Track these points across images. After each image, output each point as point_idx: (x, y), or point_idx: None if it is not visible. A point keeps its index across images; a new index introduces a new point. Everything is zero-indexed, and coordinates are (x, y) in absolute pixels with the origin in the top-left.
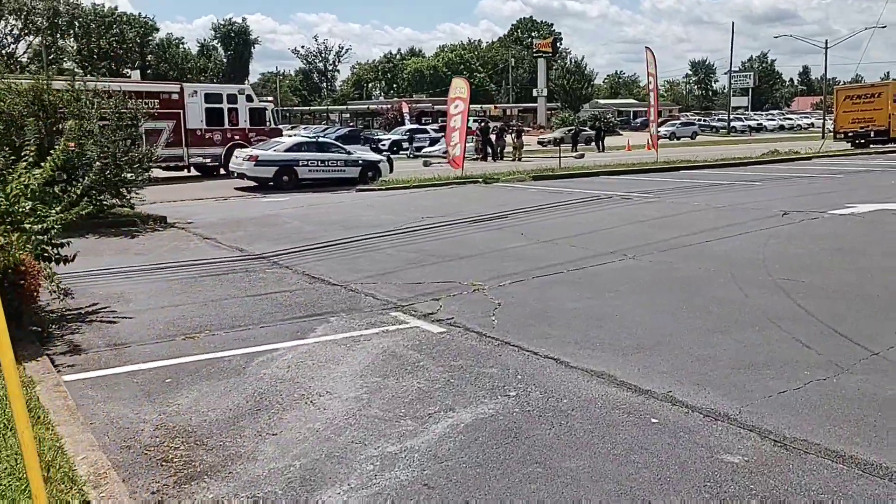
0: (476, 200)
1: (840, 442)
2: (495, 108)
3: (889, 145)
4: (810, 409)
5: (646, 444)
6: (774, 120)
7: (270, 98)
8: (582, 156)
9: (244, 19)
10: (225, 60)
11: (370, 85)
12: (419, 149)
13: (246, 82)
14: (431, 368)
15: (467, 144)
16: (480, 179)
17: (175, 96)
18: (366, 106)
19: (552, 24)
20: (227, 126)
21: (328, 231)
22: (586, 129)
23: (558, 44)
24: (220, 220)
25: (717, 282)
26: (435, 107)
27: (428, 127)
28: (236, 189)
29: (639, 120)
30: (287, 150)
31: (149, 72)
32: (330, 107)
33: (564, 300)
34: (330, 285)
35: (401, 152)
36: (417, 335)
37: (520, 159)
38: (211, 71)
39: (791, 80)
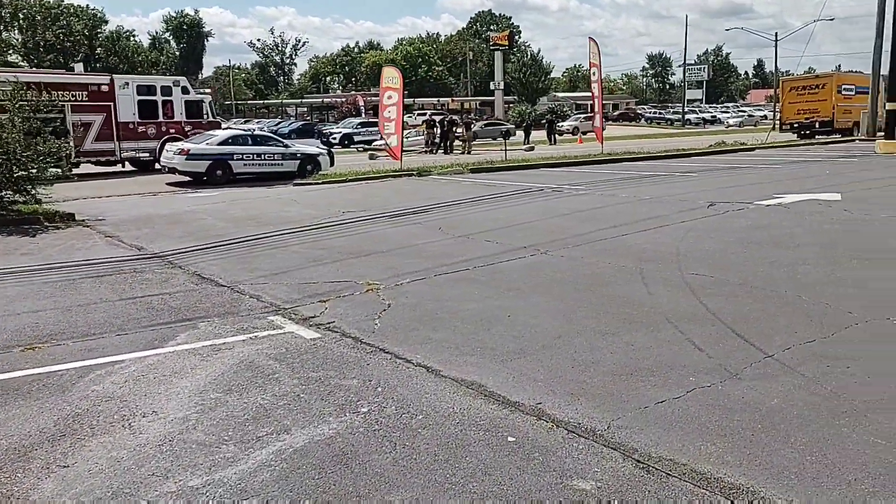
0: (405, 194)
1: (709, 461)
2: (452, 101)
3: (834, 136)
4: (686, 422)
5: (492, 469)
6: (728, 112)
7: (208, 90)
8: (532, 148)
9: (196, 11)
10: (177, 53)
11: (328, 78)
12: (370, 142)
13: (200, 75)
14: (285, 381)
15: (417, 138)
16: (415, 172)
17: (105, 88)
18: (321, 99)
19: (510, 18)
20: (161, 119)
21: (240, 228)
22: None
23: (517, 37)
24: (132, 217)
25: (624, 278)
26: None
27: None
28: (168, 185)
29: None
30: (221, 144)
31: (98, 65)
32: (285, 100)
33: (460, 300)
34: (217, 286)
35: (352, 145)
36: (287, 342)
37: (469, 152)
38: (163, 64)
39: (746, 73)
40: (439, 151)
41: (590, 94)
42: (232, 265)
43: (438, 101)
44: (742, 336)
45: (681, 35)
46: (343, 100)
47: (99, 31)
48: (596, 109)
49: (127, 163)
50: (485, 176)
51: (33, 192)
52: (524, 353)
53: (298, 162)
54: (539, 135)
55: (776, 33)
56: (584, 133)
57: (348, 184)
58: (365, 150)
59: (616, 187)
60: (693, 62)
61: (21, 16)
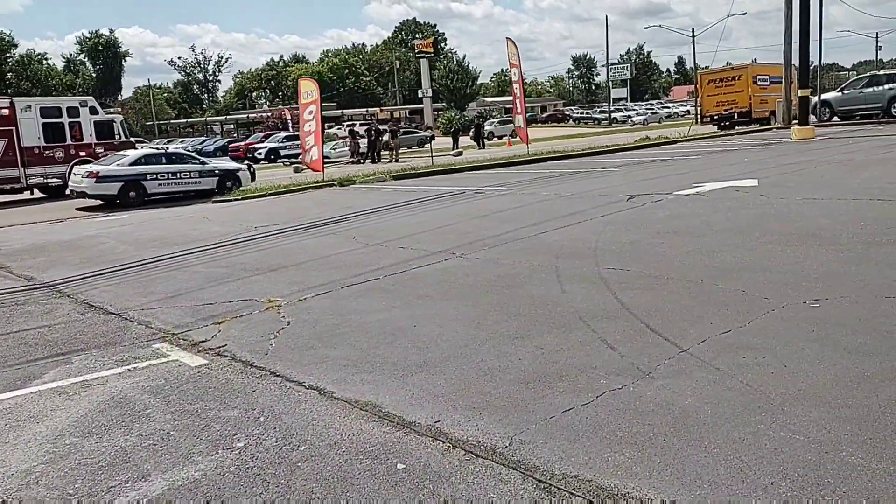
0: (324, 204)
1: (616, 474)
2: (381, 111)
3: (752, 125)
4: (593, 431)
5: None
6: (653, 109)
7: (118, 109)
8: (460, 153)
9: (112, 31)
10: (94, 75)
11: (254, 94)
12: (296, 155)
13: (119, 96)
14: (156, 417)
15: (345, 149)
16: (336, 183)
17: (5, 112)
18: (246, 115)
19: (435, 25)
20: (69, 142)
21: (143, 250)
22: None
23: (442, 44)
24: (28, 246)
25: (538, 278)
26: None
27: None
28: (78, 210)
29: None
30: (132, 164)
31: (9, 90)
32: (209, 118)
33: (365, 312)
34: (104, 314)
35: (278, 160)
36: (169, 372)
37: (396, 160)
38: (79, 87)
39: (668, 70)
40: (367, 161)
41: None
42: (126, 290)
43: (367, 111)
44: (656, 331)
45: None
46: (269, 114)
47: (8, 55)
48: (518, 110)
49: (36, 190)
50: (408, 182)
51: None
52: (427, 365)
53: (217, 178)
54: (467, 140)
55: (693, 30)
56: (501, 137)
57: (268, 198)
58: (291, 163)
59: (538, 186)
60: (616, 62)
61: None
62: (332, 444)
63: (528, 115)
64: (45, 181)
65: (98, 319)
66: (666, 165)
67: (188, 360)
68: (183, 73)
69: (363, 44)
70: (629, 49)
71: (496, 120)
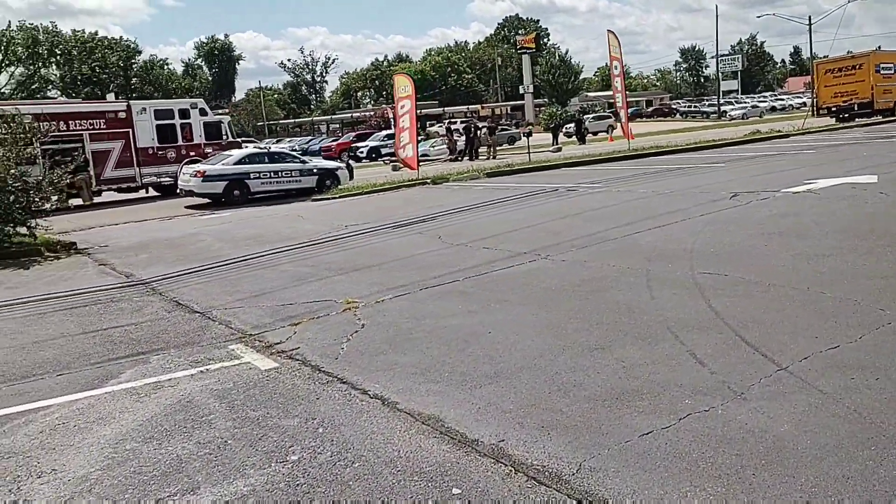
0: (415, 203)
1: None
2: (482, 107)
3: (874, 117)
4: (673, 460)
5: None
6: (766, 101)
7: (227, 111)
8: (559, 149)
9: (226, 36)
10: (210, 79)
11: (359, 94)
12: (394, 154)
13: (233, 98)
14: (218, 424)
15: (442, 147)
16: (429, 181)
17: (122, 115)
18: (350, 115)
19: (538, 21)
20: (180, 142)
21: (237, 248)
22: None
23: (545, 40)
24: (134, 244)
25: (626, 282)
26: (423, 111)
27: None
28: (186, 208)
29: (631, 110)
30: (236, 164)
31: (133, 94)
32: (315, 118)
33: (441, 316)
34: (189, 313)
35: (379, 158)
36: (240, 374)
37: (494, 157)
38: (196, 90)
39: (783, 60)
40: (465, 158)
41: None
42: (214, 288)
43: (468, 108)
44: (752, 345)
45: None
46: (372, 113)
47: (133, 61)
48: (620, 105)
49: (151, 188)
50: (501, 180)
51: (32, 224)
52: (497, 377)
53: (316, 177)
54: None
55: (809, 18)
56: (596, 133)
57: (363, 196)
58: (390, 162)
59: (636, 183)
60: (726, 53)
61: (58, 51)
62: (387, 461)
63: (632, 109)
64: (159, 180)
65: (182, 318)
66: (776, 161)
67: (259, 363)
68: (292, 74)
69: (465, 41)
70: (741, 40)
71: (591, 115)
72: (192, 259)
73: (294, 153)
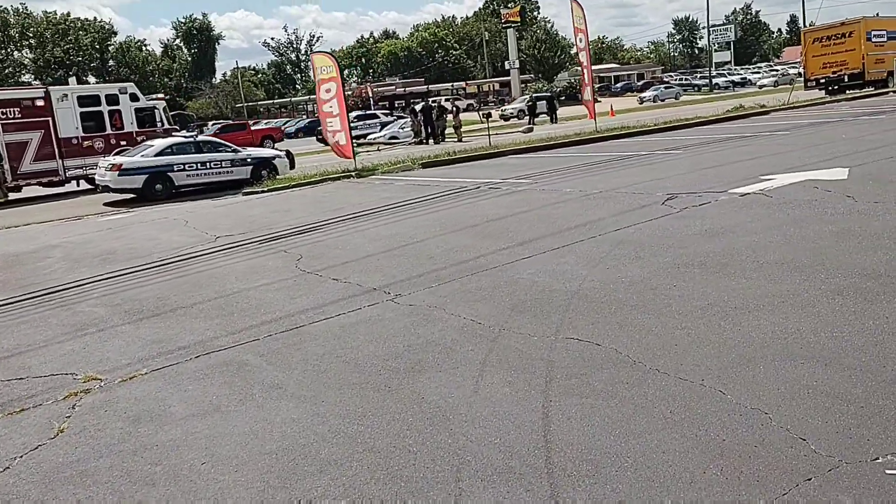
0: (319, 203)
1: None
2: (467, 84)
3: (865, 89)
4: None
5: None
6: (759, 73)
7: (160, 95)
8: (531, 130)
9: (204, 15)
10: (189, 59)
11: (346, 72)
12: (365, 135)
13: (213, 80)
14: None
15: (403, 129)
16: (353, 174)
17: (40, 102)
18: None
19: None
20: (109, 131)
21: (73, 271)
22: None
23: (535, 13)
24: None
25: (462, 354)
26: (407, 89)
27: (379, 112)
28: (105, 205)
29: (619, 85)
30: (158, 155)
31: (109, 77)
32: (296, 98)
33: (179, 417)
34: None
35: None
36: None
37: (460, 139)
38: (176, 71)
39: (779, 30)
40: (430, 141)
41: (613, 65)
42: None
43: (453, 85)
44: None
45: None
46: (350, 92)
47: (109, 43)
48: (586, 81)
49: (83, 181)
50: (433, 172)
51: None
52: None
53: (251, 167)
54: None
55: None
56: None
57: (286, 191)
58: (359, 143)
59: (568, 177)
60: (720, 23)
61: (30, 34)
62: None
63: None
64: (85, 173)
65: None
66: (741, 146)
67: None
68: (276, 53)
69: (453, 16)
70: (735, 9)
71: (662, 86)
72: (4, 288)
73: (225, 143)
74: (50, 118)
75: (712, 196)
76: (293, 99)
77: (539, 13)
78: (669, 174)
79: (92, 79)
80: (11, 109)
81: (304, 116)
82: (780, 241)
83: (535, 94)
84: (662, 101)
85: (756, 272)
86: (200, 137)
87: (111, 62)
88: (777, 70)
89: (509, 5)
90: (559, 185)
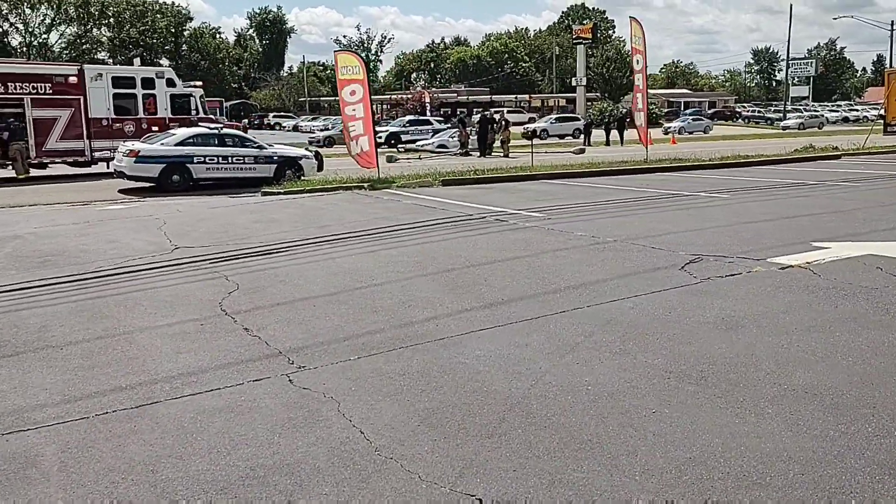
0: (308, 217)
1: None
2: (531, 97)
3: None
4: None
5: None
6: (838, 111)
7: (199, 83)
8: (582, 151)
9: (279, 8)
10: (260, 50)
11: (413, 75)
12: (413, 141)
13: (282, 72)
14: None
15: (453, 139)
16: (366, 186)
17: (73, 79)
18: (389, 97)
19: (605, 12)
20: (141, 115)
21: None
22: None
23: (610, 32)
24: None
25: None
26: (470, 97)
27: (433, 118)
28: (120, 192)
29: (689, 111)
30: (179, 144)
31: (180, 62)
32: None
33: None
34: None
35: (399, 145)
36: None
37: (507, 155)
38: (246, 61)
39: (864, 69)
40: (475, 154)
41: (685, 90)
42: None
43: (516, 98)
44: None
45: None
46: (409, 96)
47: (184, 28)
48: (639, 106)
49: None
50: (450, 192)
51: None
52: None
53: (275, 166)
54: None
55: (892, 21)
56: (563, 136)
57: (297, 196)
58: (407, 150)
59: (588, 216)
60: (801, 57)
61: (109, 13)
62: None
63: (692, 110)
64: (113, 155)
65: None
66: (800, 196)
67: None
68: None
69: (526, 28)
70: (819, 44)
71: (689, 116)
72: None
73: (252, 138)
74: (81, 97)
75: (745, 264)
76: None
77: (614, 32)
78: (704, 225)
79: (165, 61)
80: (43, 84)
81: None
82: (819, 353)
83: (562, 115)
84: (690, 133)
85: (773, 405)
86: (226, 131)
87: (184, 47)
88: (857, 110)
89: (584, 22)
90: (573, 224)
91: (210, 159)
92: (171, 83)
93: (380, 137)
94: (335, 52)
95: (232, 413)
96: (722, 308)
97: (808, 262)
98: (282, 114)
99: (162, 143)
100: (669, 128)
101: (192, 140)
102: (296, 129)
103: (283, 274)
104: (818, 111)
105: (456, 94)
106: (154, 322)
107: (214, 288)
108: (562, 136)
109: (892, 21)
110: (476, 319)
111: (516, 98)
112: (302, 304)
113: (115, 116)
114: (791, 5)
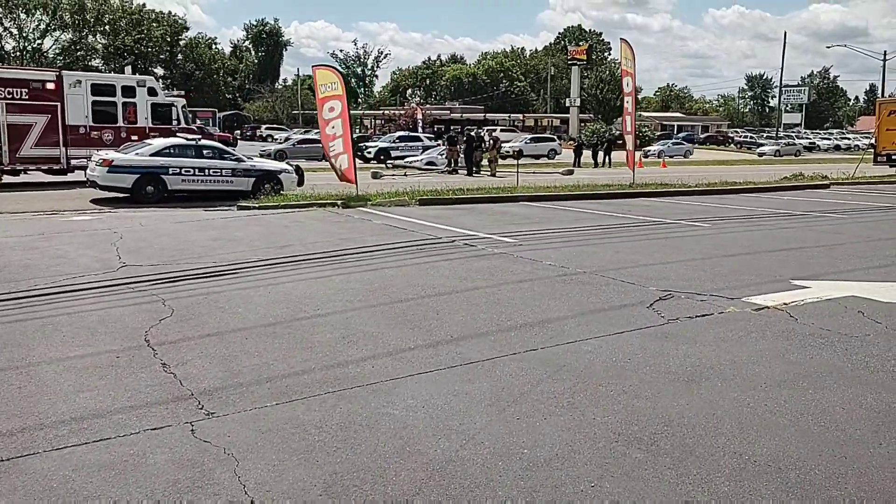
0: (271, 235)
1: None
2: (524, 116)
3: None
4: None
5: None
6: (830, 139)
7: (181, 92)
8: (571, 172)
9: (276, 20)
10: (255, 62)
11: (409, 91)
12: (403, 157)
13: (277, 84)
14: None
15: (442, 156)
16: (339, 203)
17: (50, 85)
18: (382, 112)
19: (601, 34)
20: (121, 123)
21: None
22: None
23: (606, 54)
24: None
25: None
26: (464, 115)
27: (423, 135)
28: (92, 202)
29: (681, 135)
30: (155, 155)
31: (175, 71)
32: (355, 111)
33: None
34: None
35: (388, 161)
36: None
37: (494, 174)
38: (241, 72)
39: (857, 98)
40: (463, 172)
41: (679, 114)
42: None
43: (510, 116)
44: None
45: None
46: (402, 112)
47: (179, 37)
48: (627, 129)
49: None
50: (425, 212)
51: None
52: None
53: (253, 180)
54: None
55: (885, 52)
56: (538, 157)
57: (269, 212)
58: (396, 166)
59: (562, 243)
60: (794, 84)
61: (104, 20)
62: None
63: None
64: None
65: None
66: (785, 227)
67: None
68: (343, 65)
69: (522, 48)
70: (812, 72)
71: (528, 136)
72: None
73: (231, 150)
74: (59, 103)
75: (718, 304)
76: (352, 112)
77: (609, 54)
78: (681, 257)
79: (159, 70)
80: (18, 90)
81: (357, 130)
82: (787, 415)
83: (537, 136)
84: (671, 157)
85: (729, 482)
86: (204, 142)
87: (179, 56)
88: (849, 138)
89: (580, 43)
90: (544, 253)
91: (186, 171)
92: (152, 92)
93: (369, 153)
94: (313, 66)
95: (113, 472)
96: (686, 355)
97: (785, 304)
98: (275, 126)
99: (137, 153)
100: (649, 151)
101: (168, 151)
102: (287, 140)
103: (223, 300)
104: (794, 140)
105: (450, 112)
106: (67, 353)
107: (146, 314)
108: (537, 157)
109: (885, 51)
110: (418, 360)
111: (510, 117)
112: (233, 335)
113: (93, 124)
114: (785, 33)
